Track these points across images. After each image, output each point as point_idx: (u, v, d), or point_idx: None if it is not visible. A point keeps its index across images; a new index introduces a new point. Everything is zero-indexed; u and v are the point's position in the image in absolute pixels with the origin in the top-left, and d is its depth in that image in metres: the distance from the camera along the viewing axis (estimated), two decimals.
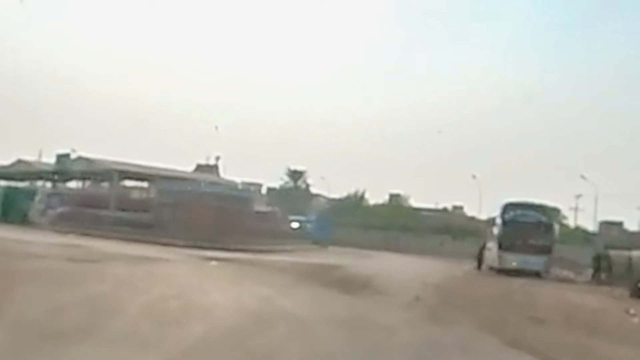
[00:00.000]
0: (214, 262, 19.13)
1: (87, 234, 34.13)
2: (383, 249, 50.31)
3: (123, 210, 42.99)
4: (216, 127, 77.13)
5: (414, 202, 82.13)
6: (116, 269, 14.69)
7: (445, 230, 62.40)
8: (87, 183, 54.97)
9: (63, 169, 47.68)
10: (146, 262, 18.01)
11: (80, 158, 47.23)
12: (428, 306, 12.75)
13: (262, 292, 11.52)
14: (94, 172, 46.63)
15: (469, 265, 36.14)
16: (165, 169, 48.79)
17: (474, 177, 63.69)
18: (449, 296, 15.60)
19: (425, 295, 14.89)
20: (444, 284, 20.17)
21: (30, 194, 43.68)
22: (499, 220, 33.54)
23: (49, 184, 49.69)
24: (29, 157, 52.76)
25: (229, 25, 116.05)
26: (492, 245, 34.06)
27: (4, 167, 53.02)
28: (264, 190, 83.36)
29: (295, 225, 53.61)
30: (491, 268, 33.15)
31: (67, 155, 47.76)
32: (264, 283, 13.77)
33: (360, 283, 16.66)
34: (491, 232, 35.55)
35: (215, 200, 40.49)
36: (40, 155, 49.69)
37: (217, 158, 57.75)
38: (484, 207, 57.79)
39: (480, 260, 36.09)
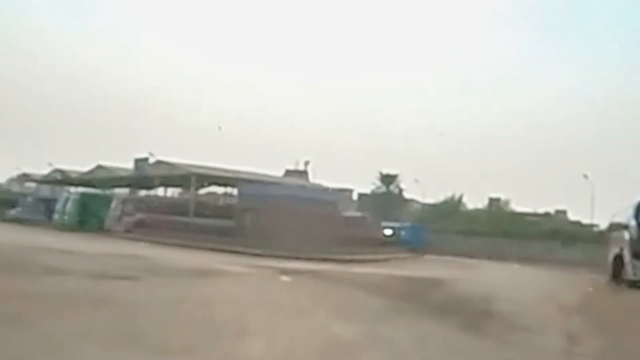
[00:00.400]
0: (285, 278, 15.08)
1: (161, 242, 31.30)
2: (484, 256, 45.66)
3: (203, 216, 40.34)
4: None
5: (515, 206, 76.26)
6: (148, 289, 10.94)
7: (552, 235, 56.70)
8: (166, 190, 52.70)
9: (141, 173, 45.36)
10: (200, 277, 14.27)
11: (159, 162, 44.72)
12: (597, 355, 8.21)
13: (342, 334, 7.33)
14: (173, 176, 43.93)
15: (589, 275, 30.56)
16: (248, 172, 45.66)
17: (585, 177, 57.28)
18: (610, 330, 10.86)
19: (577, 330, 10.24)
20: (586, 306, 15.27)
21: (108, 200, 41.37)
22: (633, 223, 27.98)
23: (127, 190, 47.48)
24: (109, 162, 50.90)
25: (313, 31, 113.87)
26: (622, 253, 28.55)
27: (83, 173, 51.49)
28: (354, 196, 79.61)
29: (388, 232, 49.67)
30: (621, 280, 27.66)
31: (145, 160, 45.46)
32: (347, 313, 9.57)
33: (478, 309, 12.13)
34: (618, 237, 30.03)
35: (300, 204, 37.20)
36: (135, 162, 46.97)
37: (307, 163, 54.44)
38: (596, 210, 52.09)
39: (616, 271, 30.38)
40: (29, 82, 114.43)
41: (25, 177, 62.95)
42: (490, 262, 40.77)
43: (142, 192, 50.68)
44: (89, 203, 42.27)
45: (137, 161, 45.77)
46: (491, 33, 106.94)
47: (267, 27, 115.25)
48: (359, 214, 51.88)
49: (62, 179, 55.59)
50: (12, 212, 50.63)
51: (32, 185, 65.25)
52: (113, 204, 40.68)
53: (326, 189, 46.76)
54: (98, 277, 12.15)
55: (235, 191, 55.17)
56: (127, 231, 37.65)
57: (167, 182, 46.65)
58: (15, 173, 64.23)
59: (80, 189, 45.34)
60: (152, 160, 44.92)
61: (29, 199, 54.67)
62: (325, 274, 18.78)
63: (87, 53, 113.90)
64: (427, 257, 40.17)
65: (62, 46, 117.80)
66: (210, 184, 50.64)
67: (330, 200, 40.63)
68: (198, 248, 28.90)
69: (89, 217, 41.31)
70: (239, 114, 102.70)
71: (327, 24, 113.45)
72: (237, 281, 14.15)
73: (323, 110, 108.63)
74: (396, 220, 55.39)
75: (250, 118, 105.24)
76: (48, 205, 49.36)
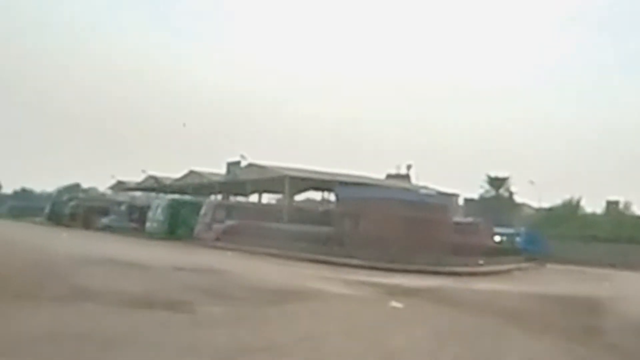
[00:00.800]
0: (396, 304, 11.07)
1: (251, 252, 28.01)
2: (607, 265, 40.99)
3: (298, 222, 36.75)
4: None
5: (637, 210, 69.15)
6: (193, 329, 7.22)
7: None
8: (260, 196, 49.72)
9: (233, 177, 42.50)
10: (282, 304, 10.51)
11: (251, 165, 41.68)
12: None
13: None
14: (266, 179, 40.75)
15: None
16: (347, 175, 41.84)
17: None
18: None
19: None
20: None
21: (198, 207, 38.60)
22: None
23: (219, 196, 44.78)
24: (202, 168, 48.52)
25: (413, 34, 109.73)
26: None
27: (176, 179, 49.34)
28: (460, 201, 74.32)
29: (497, 238, 44.63)
30: None
31: (237, 163, 42.58)
32: None
33: None
34: None
35: (406, 209, 32.95)
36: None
37: (409, 167, 50.27)
38: None
39: None
40: (123, 92, 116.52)
41: (120, 185, 61.90)
42: (620, 272, 35.92)
43: (235, 199, 47.93)
44: (179, 210, 39.72)
45: (229, 165, 43.02)
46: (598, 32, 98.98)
47: (366, 31, 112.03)
48: (469, 219, 46.99)
49: (155, 186, 53.85)
50: (105, 220, 49.13)
51: (131, 193, 64.29)
52: (203, 211, 37.84)
53: (434, 192, 42.24)
54: (134, 304, 8.62)
55: (332, 196, 51.84)
56: (217, 239, 34.67)
57: (259, 187, 43.54)
58: (111, 181, 63.33)
59: (171, 196, 42.98)
60: (244, 163, 41.97)
61: (122, 207, 53.11)
62: (444, 294, 14.70)
63: (177, 61, 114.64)
64: (549, 266, 35.83)
65: (154, 56, 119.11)
66: (305, 189, 47.25)
67: (440, 203, 36.08)
68: (291, 258, 25.34)
69: (178, 225, 38.75)
70: (336, 117, 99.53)
71: (427, 28, 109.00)
72: (333, 312, 10.20)
73: (424, 113, 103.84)
74: (508, 226, 50.24)
75: (348, 121, 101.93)
76: (142, 212, 47.45)
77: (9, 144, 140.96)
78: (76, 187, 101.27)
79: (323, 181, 41.04)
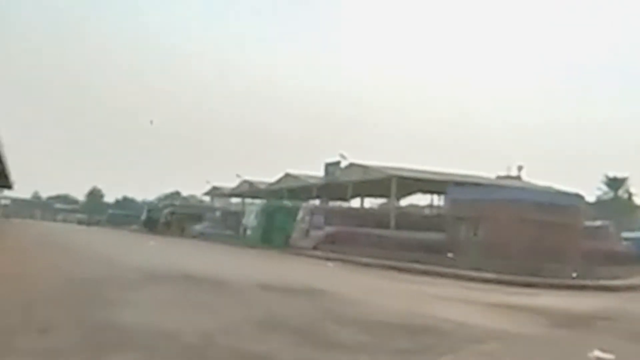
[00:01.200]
0: (601, 355, 6.78)
1: (355, 262, 24.09)
2: None
3: (405, 228, 32.70)
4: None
5: None
6: None
7: None
8: (362, 199, 45.69)
9: (332, 179, 38.74)
10: (427, 350, 6.48)
11: (352, 165, 37.79)
12: None
13: None
14: (368, 181, 36.76)
15: None
16: (459, 175, 37.27)
17: None
18: None
19: None
20: None
21: (294, 212, 35.11)
22: None
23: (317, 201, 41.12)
24: (298, 170, 45.10)
25: (516, 36, 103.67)
26: None
27: (271, 183, 46.17)
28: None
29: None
30: None
31: (336, 164, 38.77)
32: None
33: None
34: None
35: (534, 211, 28.28)
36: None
37: (520, 168, 45.11)
38: None
39: None
40: (218, 99, 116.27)
41: (215, 191, 59.61)
42: None
43: (334, 203, 44.17)
44: (273, 215, 36.42)
45: (328, 166, 39.31)
46: None
47: (475, 33, 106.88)
48: (598, 222, 41.33)
49: (250, 191, 50.96)
50: (198, 227, 46.85)
51: (226, 199, 62.14)
52: (299, 216, 34.29)
53: (557, 191, 36.89)
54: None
55: (442, 200, 47.17)
56: (315, 248, 31.03)
57: (361, 189, 39.54)
58: (206, 187, 61.13)
59: (265, 200, 39.75)
60: (344, 163, 38.14)
61: (217, 213, 50.71)
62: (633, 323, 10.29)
63: (274, 64, 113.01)
64: None
65: (252, 62, 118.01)
66: (411, 192, 42.88)
67: (571, 205, 30.94)
68: (402, 270, 21.19)
69: (273, 232, 35.47)
70: (441, 118, 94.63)
71: (537, 29, 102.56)
72: None
73: (533, 113, 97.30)
74: (630, 230, 44.67)
75: (454, 122, 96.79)
76: (236, 219, 44.74)
77: (112, 154, 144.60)
78: (176, 194, 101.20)
79: (434, 182, 36.55)
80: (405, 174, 35.15)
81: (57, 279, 11.61)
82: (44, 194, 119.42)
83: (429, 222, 36.14)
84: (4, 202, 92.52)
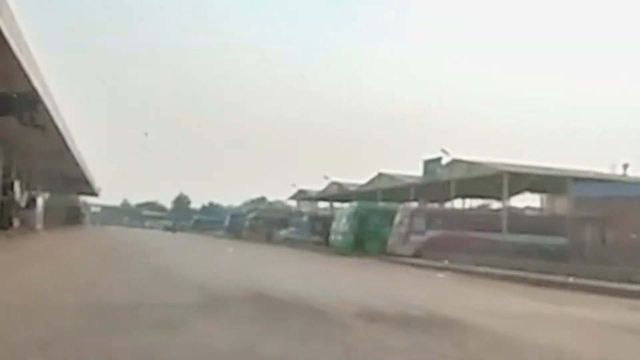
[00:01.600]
0: None
1: (468, 272, 19.79)
2: None
3: (517, 232, 28.30)
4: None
5: None
6: None
7: None
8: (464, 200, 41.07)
9: (433, 178, 34.42)
10: None
11: (455, 161, 33.34)
12: None
13: None
14: (475, 178, 32.28)
15: None
16: (579, 171, 32.24)
17: None
18: None
19: None
20: None
21: (390, 214, 31.03)
22: None
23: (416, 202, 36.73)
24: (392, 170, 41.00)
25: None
26: None
27: (362, 185, 42.27)
28: None
29: None
30: None
31: (437, 160, 34.43)
32: None
33: None
34: None
35: None
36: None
37: (625, 166, 39.68)
38: None
39: None
40: (304, 102, 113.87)
41: (301, 194, 56.29)
42: None
43: (436, 204, 39.77)
44: (367, 219, 32.46)
45: (427, 163, 34.99)
46: None
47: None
48: None
49: (339, 193, 47.19)
50: (284, 233, 43.63)
51: (313, 203, 58.80)
52: (397, 219, 30.12)
53: None
54: None
55: (544, 200, 41.98)
56: (416, 255, 26.88)
57: (466, 188, 34.92)
58: (292, 191, 58.02)
59: (357, 202, 35.86)
60: (445, 160, 33.75)
61: (304, 218, 47.26)
62: None
63: (360, 66, 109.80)
64: None
65: (339, 63, 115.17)
66: (522, 190, 37.89)
67: None
68: (531, 282, 16.62)
69: (366, 237, 31.55)
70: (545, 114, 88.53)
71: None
72: None
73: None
74: None
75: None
76: (325, 223, 41.06)
77: (199, 161, 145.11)
78: (262, 200, 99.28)
79: (551, 178, 31.64)
80: (515, 169, 30.49)
81: (70, 305, 8.00)
82: (133, 201, 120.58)
83: (546, 224, 31.39)
84: (93, 209, 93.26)
